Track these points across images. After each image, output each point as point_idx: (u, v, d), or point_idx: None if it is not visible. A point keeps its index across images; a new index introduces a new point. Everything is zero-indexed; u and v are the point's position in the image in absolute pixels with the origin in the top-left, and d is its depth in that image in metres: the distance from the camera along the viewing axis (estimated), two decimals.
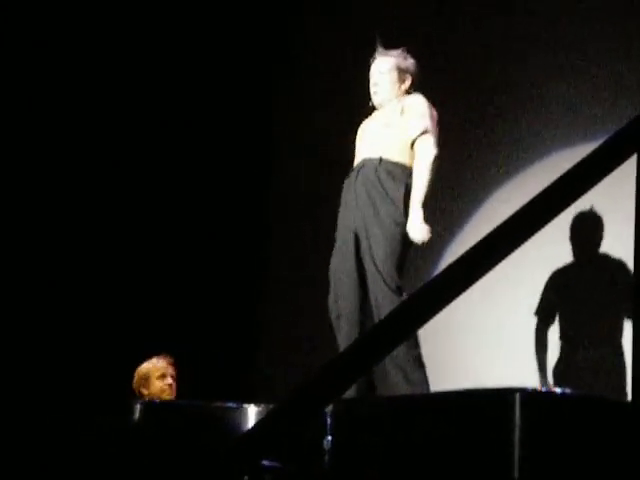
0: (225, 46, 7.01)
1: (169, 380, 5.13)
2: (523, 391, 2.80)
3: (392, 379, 4.47)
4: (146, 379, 5.16)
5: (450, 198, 5.93)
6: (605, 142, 1.83)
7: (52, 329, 6.20)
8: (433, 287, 1.91)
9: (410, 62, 4.85)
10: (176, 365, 5.22)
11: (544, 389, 3.09)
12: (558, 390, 3.22)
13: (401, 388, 4.43)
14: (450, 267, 1.89)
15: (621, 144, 1.82)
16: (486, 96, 6.06)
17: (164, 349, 5.27)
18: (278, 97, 7.05)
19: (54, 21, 6.39)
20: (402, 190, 4.60)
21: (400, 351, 4.40)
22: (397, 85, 4.83)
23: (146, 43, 6.67)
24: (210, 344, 6.56)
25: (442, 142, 4.74)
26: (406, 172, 4.64)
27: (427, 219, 4.60)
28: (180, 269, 6.70)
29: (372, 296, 4.57)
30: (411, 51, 4.89)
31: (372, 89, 4.86)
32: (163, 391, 5.14)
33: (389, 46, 4.87)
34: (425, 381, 4.48)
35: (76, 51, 6.43)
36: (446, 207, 5.92)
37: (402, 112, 4.73)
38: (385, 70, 4.83)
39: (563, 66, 5.79)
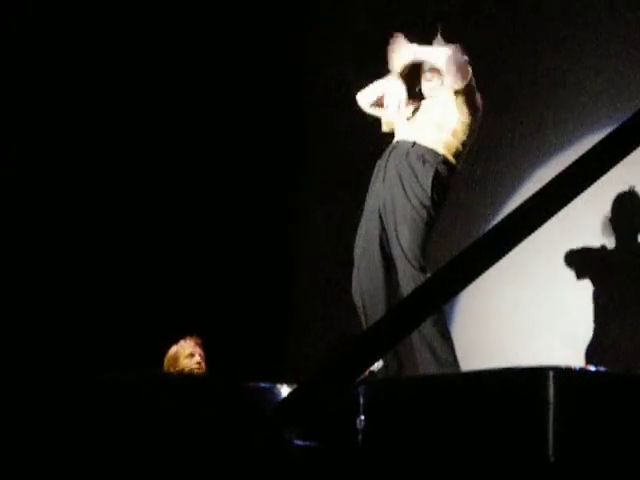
0: (255, 33, 6.99)
1: (197, 358, 5.16)
2: (557, 369, 2.77)
3: (420, 358, 4.48)
4: (175, 359, 5.20)
5: (484, 180, 5.90)
6: (622, 123, 1.80)
7: (82, 310, 6.23)
8: (457, 264, 1.88)
9: (464, 62, 4.81)
10: (204, 346, 5.24)
11: (577, 367, 3.05)
12: (592, 368, 3.19)
13: (430, 366, 4.43)
14: (473, 245, 1.86)
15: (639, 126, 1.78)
16: (519, 79, 6.02)
17: (194, 331, 5.30)
18: (308, 90, 7.01)
19: (54, 22, 6.38)
20: (431, 174, 4.63)
21: (427, 328, 4.41)
22: (445, 72, 4.80)
23: (161, 38, 6.66)
24: (241, 326, 6.57)
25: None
26: (438, 158, 4.66)
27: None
28: (213, 252, 6.72)
29: (397, 274, 4.59)
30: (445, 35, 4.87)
31: (422, 73, 4.86)
32: (192, 370, 5.17)
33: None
34: (454, 359, 4.48)
35: (76, 49, 6.42)
36: (478, 191, 5.88)
37: (438, 105, 4.75)
38: (436, 57, 4.81)
39: (593, 52, 5.73)
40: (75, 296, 6.27)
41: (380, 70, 4.93)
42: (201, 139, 6.78)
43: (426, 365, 4.46)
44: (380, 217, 4.69)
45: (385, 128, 4.95)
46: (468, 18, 6.19)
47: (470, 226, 5.96)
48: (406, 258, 4.55)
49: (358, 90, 5.01)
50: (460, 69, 4.70)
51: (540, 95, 5.97)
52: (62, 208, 6.35)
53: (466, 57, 4.80)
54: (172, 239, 6.60)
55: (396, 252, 4.60)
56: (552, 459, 2.68)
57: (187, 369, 5.15)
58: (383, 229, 4.68)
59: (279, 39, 6.97)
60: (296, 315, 6.81)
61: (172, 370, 5.19)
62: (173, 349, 5.23)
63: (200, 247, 6.68)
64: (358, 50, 5.26)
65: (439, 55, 4.76)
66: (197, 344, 5.22)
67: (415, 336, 4.44)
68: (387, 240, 4.66)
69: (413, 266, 4.53)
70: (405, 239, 4.59)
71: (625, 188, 5.38)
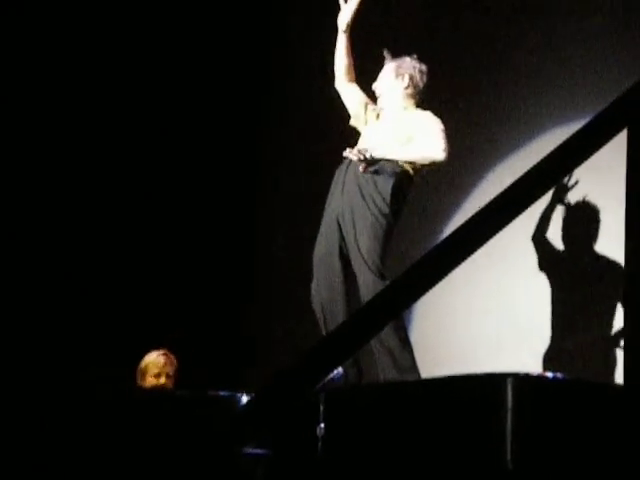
0: (214, 42, 6.98)
1: (162, 380, 5.13)
2: (515, 376, 2.78)
3: (380, 364, 4.49)
4: (143, 374, 5.20)
5: (444, 183, 5.90)
6: (596, 116, 1.80)
7: (52, 321, 6.20)
8: (417, 270, 1.87)
9: (409, 64, 4.88)
10: (176, 362, 5.21)
11: (535, 374, 3.06)
12: (549, 375, 3.20)
13: (389, 373, 4.45)
14: (434, 249, 1.86)
15: (612, 118, 1.79)
16: (483, 74, 6.03)
17: (169, 345, 5.27)
18: (268, 101, 7.02)
19: (41, 21, 6.36)
20: (391, 183, 4.66)
21: (387, 335, 4.43)
22: (393, 82, 4.87)
23: (133, 42, 6.65)
24: (207, 335, 6.57)
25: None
26: (398, 168, 4.69)
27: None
28: (176, 263, 6.71)
29: (358, 280, 4.61)
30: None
31: (376, 93, 4.92)
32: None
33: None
34: (414, 365, 4.49)
35: (60, 50, 6.40)
36: (441, 189, 5.89)
37: (412, 127, 4.77)
38: (384, 73, 4.90)
39: (560, 44, 5.75)
40: (48, 304, 6.23)
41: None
42: (159, 148, 6.76)
43: (386, 372, 4.47)
44: (339, 226, 4.70)
45: (352, 122, 4.96)
46: (429, 21, 6.21)
47: (428, 231, 5.96)
48: (366, 266, 4.57)
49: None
50: (399, 70, 4.78)
51: (497, 96, 5.99)
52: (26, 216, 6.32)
53: (410, 61, 4.86)
54: (142, 253, 6.60)
55: (356, 260, 4.62)
56: (510, 465, 2.69)
57: (151, 387, 5.14)
58: (342, 238, 4.70)
59: (241, 59, 6.99)
60: (261, 325, 6.80)
61: (140, 382, 5.18)
62: (143, 363, 5.21)
63: (167, 260, 6.68)
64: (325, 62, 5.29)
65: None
66: (167, 362, 5.18)
67: (375, 343, 4.45)
68: (346, 249, 4.68)
69: (373, 273, 4.56)
70: (365, 247, 4.61)
71: (582, 193, 5.42)
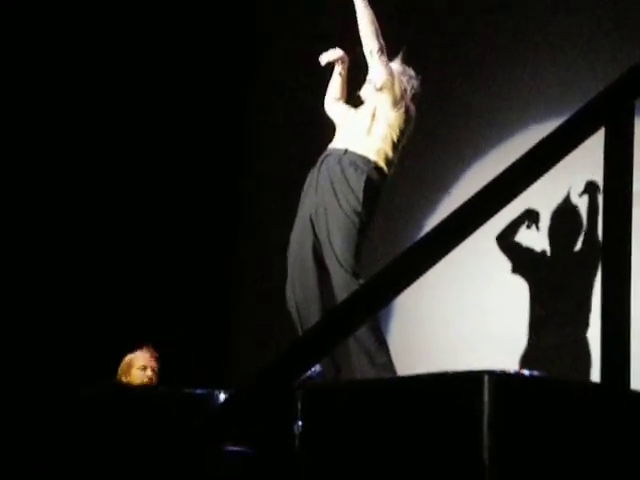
0: (198, 35, 6.97)
1: (149, 372, 5.21)
2: (492, 373, 2.78)
3: (357, 363, 4.50)
4: (128, 368, 5.25)
5: (419, 183, 5.92)
6: (573, 115, 1.81)
7: (32, 321, 6.19)
8: (392, 270, 1.88)
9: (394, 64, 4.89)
10: (159, 359, 5.29)
11: (513, 371, 3.07)
12: (527, 372, 3.21)
13: (366, 371, 4.46)
14: (409, 249, 1.87)
15: (589, 117, 1.80)
16: (459, 73, 6.04)
17: (151, 342, 5.31)
18: (253, 94, 7.00)
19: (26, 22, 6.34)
20: (363, 180, 4.68)
21: (363, 333, 4.43)
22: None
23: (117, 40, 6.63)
24: (185, 332, 6.58)
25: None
26: (369, 164, 4.71)
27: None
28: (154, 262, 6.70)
29: (331, 279, 4.62)
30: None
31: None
32: (142, 382, 5.19)
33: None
34: (390, 363, 4.50)
35: (47, 49, 6.38)
36: (415, 191, 5.91)
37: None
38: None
39: (539, 40, 5.78)
40: (28, 305, 6.22)
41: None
42: (142, 147, 6.75)
43: (362, 370, 4.48)
44: (312, 225, 4.70)
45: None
46: (404, 18, 6.21)
47: (404, 229, 5.98)
48: (339, 265, 4.58)
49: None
50: (377, 69, 4.79)
51: (474, 92, 6.00)
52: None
53: (398, 66, 4.87)
54: (124, 252, 6.58)
55: (329, 259, 4.63)
56: (487, 463, 2.69)
57: (138, 381, 5.17)
58: (315, 237, 4.70)
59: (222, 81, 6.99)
60: (240, 323, 6.80)
61: (124, 377, 5.21)
62: (128, 358, 5.28)
63: (142, 262, 6.67)
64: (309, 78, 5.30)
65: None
66: (152, 357, 5.26)
67: (351, 342, 4.46)
68: (320, 248, 4.68)
69: (347, 272, 4.56)
70: (338, 246, 4.62)
71: (563, 191, 5.44)
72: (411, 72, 4.98)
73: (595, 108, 1.82)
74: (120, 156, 6.69)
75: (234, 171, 7.11)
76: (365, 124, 4.78)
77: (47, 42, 6.41)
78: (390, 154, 4.76)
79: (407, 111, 4.79)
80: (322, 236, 4.67)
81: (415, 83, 4.92)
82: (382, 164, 4.75)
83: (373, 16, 4.74)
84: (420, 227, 5.95)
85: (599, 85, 1.88)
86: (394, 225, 5.96)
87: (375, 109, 4.76)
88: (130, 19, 6.75)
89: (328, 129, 5.01)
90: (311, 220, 4.74)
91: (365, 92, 4.90)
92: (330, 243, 4.62)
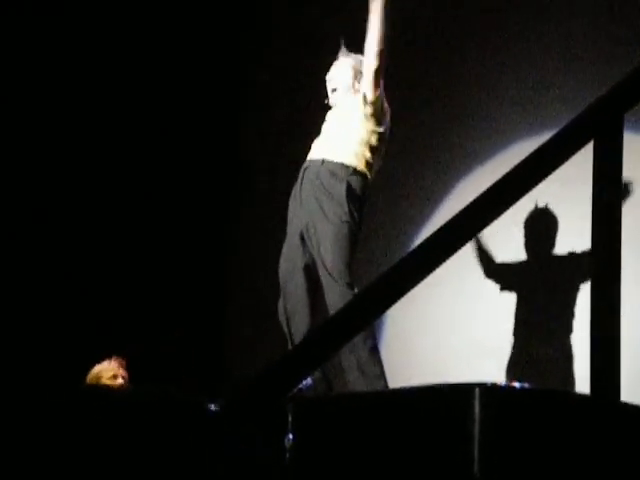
0: (192, 39, 6.96)
1: (120, 380, 5.13)
2: (482, 385, 2.78)
3: (348, 373, 4.49)
4: (97, 379, 5.16)
5: (409, 194, 5.92)
6: (563, 129, 1.82)
7: (20, 320, 6.15)
8: (385, 280, 1.88)
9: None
10: (128, 367, 5.22)
11: (503, 384, 3.07)
12: (517, 384, 3.21)
13: (358, 382, 4.44)
14: (402, 260, 1.87)
15: (579, 130, 1.81)
16: (445, 88, 6.06)
17: (120, 351, 5.26)
18: (245, 95, 7.00)
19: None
20: (344, 188, 4.64)
21: (356, 344, 4.43)
22: (352, 82, 4.85)
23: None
24: (172, 341, 6.55)
25: (399, 139, 4.75)
26: (348, 170, 4.69)
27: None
28: (145, 273, 6.68)
29: (325, 294, 4.59)
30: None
31: (328, 84, 4.88)
32: None
33: (352, 50, 4.93)
34: (382, 374, 4.49)
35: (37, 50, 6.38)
36: (406, 202, 5.91)
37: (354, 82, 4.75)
38: (342, 68, 4.86)
39: (522, 55, 5.79)
40: (16, 305, 6.17)
41: None
42: (135, 149, 6.72)
43: (354, 381, 4.47)
44: (302, 240, 4.68)
45: None
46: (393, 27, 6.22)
47: (394, 241, 5.97)
48: (332, 277, 4.57)
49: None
50: (372, 86, 4.77)
51: (464, 103, 6.01)
52: None
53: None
54: (101, 256, 6.54)
55: (322, 272, 4.61)
56: (478, 476, 2.69)
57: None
58: (307, 252, 4.67)
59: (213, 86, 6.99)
60: (231, 333, 6.79)
61: None
62: (96, 369, 5.19)
63: (133, 267, 6.63)
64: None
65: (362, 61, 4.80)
66: (121, 365, 5.19)
67: (344, 352, 4.45)
68: (312, 262, 4.66)
69: (340, 284, 4.54)
70: (329, 258, 4.60)
71: (548, 201, 5.44)
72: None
73: (584, 121, 1.83)
74: (120, 156, 6.66)
75: (228, 186, 7.10)
76: (341, 130, 4.74)
77: (46, 44, 6.39)
78: (369, 156, 4.71)
79: (385, 113, 4.78)
80: (314, 251, 4.65)
81: None
82: (362, 167, 4.71)
83: (385, 34, 4.70)
84: (415, 238, 5.96)
85: (594, 95, 1.89)
86: (388, 236, 5.96)
87: (351, 113, 4.74)
88: (130, 19, 6.73)
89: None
90: (301, 236, 4.71)
91: (340, 97, 4.84)
92: (321, 257, 4.61)
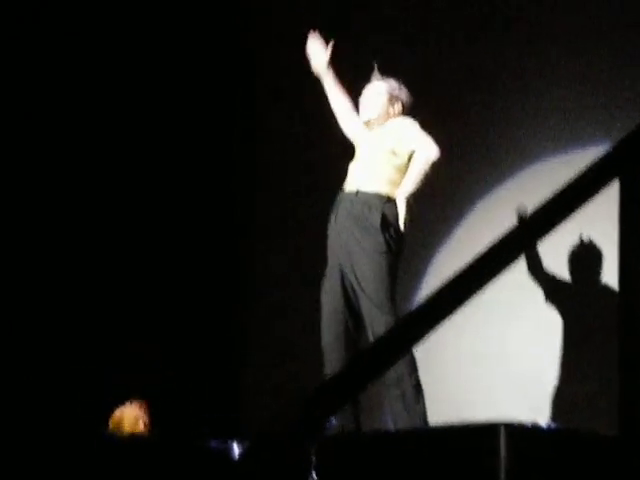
0: (208, 41, 6.93)
1: (141, 425, 5.12)
2: (508, 425, 2.77)
3: (392, 407, 4.45)
4: (119, 423, 5.15)
5: (435, 210, 5.87)
6: (588, 167, 1.82)
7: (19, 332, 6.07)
8: (424, 309, 1.87)
9: (403, 91, 4.91)
10: (149, 408, 5.20)
11: (529, 423, 3.04)
12: (543, 424, 3.19)
13: (400, 418, 4.41)
14: (440, 289, 1.86)
15: (604, 169, 1.81)
16: (474, 103, 6.02)
17: (139, 394, 5.23)
18: (262, 108, 6.98)
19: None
20: (379, 218, 4.60)
21: (402, 379, 4.40)
22: (386, 107, 4.86)
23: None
24: (191, 378, 6.49)
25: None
26: (382, 200, 4.64)
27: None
28: (162, 306, 6.62)
29: (369, 328, 4.55)
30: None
31: (361, 107, 4.89)
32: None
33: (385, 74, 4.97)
34: (424, 410, 4.45)
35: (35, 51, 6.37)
36: (431, 219, 5.85)
37: (390, 133, 4.77)
38: (378, 91, 4.88)
39: (555, 73, 5.76)
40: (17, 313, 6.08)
41: None
42: (146, 151, 6.65)
43: (396, 414, 4.43)
44: (341, 272, 4.65)
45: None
46: (412, 46, 6.21)
47: (414, 265, 5.88)
48: (378, 309, 4.51)
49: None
50: (394, 93, 4.81)
51: (483, 125, 5.98)
52: None
53: (405, 90, 4.88)
54: (117, 290, 6.48)
55: (364, 304, 4.56)
56: None
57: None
58: (347, 284, 4.63)
59: (228, 86, 6.96)
60: (251, 370, 6.75)
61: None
62: (117, 412, 5.18)
63: (148, 302, 6.57)
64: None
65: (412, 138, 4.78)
66: (142, 408, 5.18)
67: (390, 385, 4.41)
68: (354, 294, 4.62)
69: (385, 314, 4.49)
70: (371, 291, 4.55)
71: (583, 238, 5.39)
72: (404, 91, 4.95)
73: (610, 160, 1.83)
74: (119, 156, 6.59)
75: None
76: (375, 158, 4.72)
77: (45, 44, 6.37)
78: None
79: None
80: (354, 283, 4.60)
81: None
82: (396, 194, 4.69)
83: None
84: (435, 259, 5.91)
85: (614, 114, 1.88)
86: (409, 259, 5.86)
87: (386, 141, 4.73)
88: (130, 20, 6.71)
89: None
90: (340, 268, 4.68)
91: (375, 122, 4.83)
92: (363, 290, 4.56)
